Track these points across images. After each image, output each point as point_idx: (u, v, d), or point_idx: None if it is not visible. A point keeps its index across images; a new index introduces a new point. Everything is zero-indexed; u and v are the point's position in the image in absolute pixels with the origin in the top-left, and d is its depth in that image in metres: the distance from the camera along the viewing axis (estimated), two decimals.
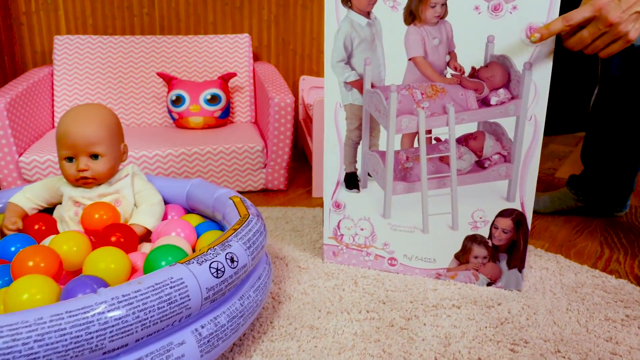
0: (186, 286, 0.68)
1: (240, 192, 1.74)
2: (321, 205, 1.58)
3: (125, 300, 0.62)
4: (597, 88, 1.42)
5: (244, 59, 2.05)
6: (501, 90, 0.97)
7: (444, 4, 0.95)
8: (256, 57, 2.21)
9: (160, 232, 0.97)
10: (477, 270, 1.08)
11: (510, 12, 0.92)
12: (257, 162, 1.70)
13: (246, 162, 1.69)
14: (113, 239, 0.89)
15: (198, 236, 1.00)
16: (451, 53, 0.98)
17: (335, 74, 1.06)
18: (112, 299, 0.61)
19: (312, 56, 2.26)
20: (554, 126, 2.66)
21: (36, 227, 1.00)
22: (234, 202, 0.97)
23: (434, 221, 1.08)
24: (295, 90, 2.27)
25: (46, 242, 0.94)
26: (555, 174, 2.03)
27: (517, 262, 1.04)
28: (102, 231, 0.91)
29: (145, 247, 0.97)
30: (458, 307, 0.99)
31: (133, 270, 0.85)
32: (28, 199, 1.05)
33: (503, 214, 1.03)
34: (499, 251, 1.05)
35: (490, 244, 1.06)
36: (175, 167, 1.63)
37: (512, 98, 0.97)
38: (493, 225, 1.04)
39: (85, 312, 0.59)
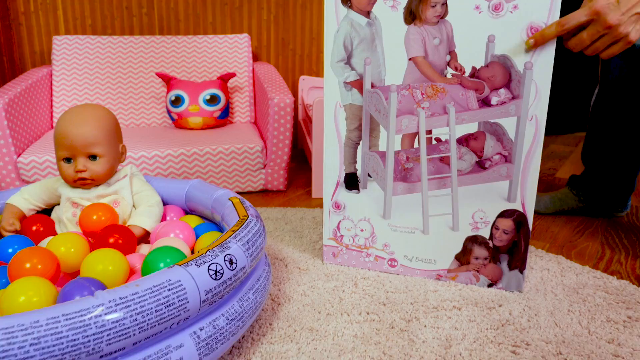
0: (184, 288, 0.67)
1: (240, 193, 1.73)
2: (321, 206, 1.57)
3: (123, 302, 0.61)
4: (597, 88, 1.42)
5: (244, 59, 2.05)
6: (502, 90, 0.97)
7: (445, 4, 0.94)
8: (255, 57, 2.21)
9: (159, 233, 0.97)
10: (477, 272, 1.07)
11: (511, 12, 0.91)
12: (256, 162, 1.69)
13: (245, 163, 1.68)
14: (111, 240, 0.89)
15: (197, 237, 0.99)
16: (452, 53, 0.97)
17: (335, 74, 1.05)
18: (110, 301, 0.61)
19: (311, 56, 2.25)
20: (554, 126, 2.65)
21: (34, 228, 1.00)
22: (233, 203, 0.96)
23: (434, 222, 1.07)
24: (294, 91, 2.26)
25: (44, 243, 0.94)
26: (556, 174, 2.02)
27: (518, 263, 1.04)
28: (100, 232, 0.91)
29: (144, 249, 0.97)
30: (459, 309, 0.98)
31: (131, 272, 0.85)
32: (26, 200, 1.05)
33: (504, 214, 1.02)
34: (500, 252, 1.05)
35: (491, 244, 1.05)
36: (174, 168, 1.63)
37: (513, 98, 0.96)
38: (494, 226, 1.04)
39: (82, 315, 0.58)
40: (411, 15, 0.97)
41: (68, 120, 0.98)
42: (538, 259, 1.21)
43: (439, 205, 1.05)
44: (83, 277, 0.76)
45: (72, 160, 0.98)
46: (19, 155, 1.57)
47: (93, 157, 0.98)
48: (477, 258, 1.06)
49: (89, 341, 0.58)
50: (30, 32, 2.01)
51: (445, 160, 1.03)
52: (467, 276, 1.08)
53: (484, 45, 0.95)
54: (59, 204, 1.04)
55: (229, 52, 2.04)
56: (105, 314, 0.60)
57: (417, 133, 1.03)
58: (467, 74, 0.98)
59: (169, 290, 0.66)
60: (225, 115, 1.94)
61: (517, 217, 1.01)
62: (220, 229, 1.03)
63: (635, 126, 1.34)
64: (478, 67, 0.97)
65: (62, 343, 0.56)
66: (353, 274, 1.13)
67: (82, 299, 0.60)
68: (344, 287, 1.07)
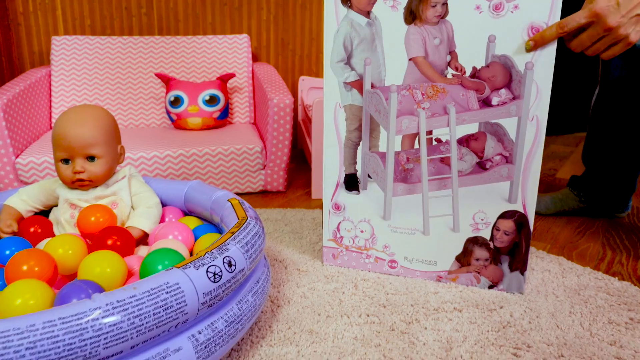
0: (183, 291, 0.67)
1: (239, 194, 1.73)
2: (321, 206, 1.56)
3: (120, 306, 0.61)
4: (597, 88, 1.41)
5: (243, 59, 2.04)
6: (503, 91, 0.96)
7: (445, 4, 0.94)
8: (255, 58, 2.20)
9: (158, 235, 0.96)
10: (478, 273, 1.06)
11: (512, 12, 0.91)
12: (256, 163, 1.69)
13: (245, 164, 1.68)
14: (109, 242, 0.88)
15: (196, 239, 0.98)
16: (452, 53, 0.97)
17: (335, 74, 1.04)
18: (107, 304, 0.60)
19: (311, 56, 2.25)
20: (554, 126, 2.65)
21: (32, 229, 0.99)
22: (232, 204, 0.96)
23: (434, 223, 1.06)
24: (294, 91, 2.26)
25: (42, 245, 0.93)
26: (556, 174, 2.02)
27: (519, 264, 1.03)
28: (99, 234, 0.90)
29: (142, 250, 0.96)
30: (459, 311, 0.98)
31: (129, 274, 0.84)
32: (24, 201, 1.04)
33: (505, 215, 1.02)
34: (501, 253, 1.04)
35: (491, 246, 1.04)
36: (173, 169, 1.62)
37: (514, 98, 0.96)
38: (495, 227, 1.03)
39: (78, 319, 0.57)
40: (411, 15, 0.96)
41: (66, 121, 0.98)
42: (539, 260, 1.20)
43: (439, 206, 1.05)
44: (80, 280, 0.76)
45: (70, 161, 0.98)
46: (17, 156, 1.56)
47: (91, 158, 0.98)
48: (477, 259, 1.06)
49: (85, 345, 0.57)
50: (29, 32, 2.00)
51: (445, 161, 1.02)
52: (467, 277, 1.07)
53: (485, 45, 0.94)
54: (57, 206, 1.04)
55: (229, 52, 2.03)
56: (103, 317, 0.59)
57: (417, 134, 1.02)
58: (467, 74, 0.97)
59: (167, 293, 0.65)
60: (225, 116, 1.94)
61: (518, 218, 1.01)
62: (219, 230, 1.02)
63: (636, 126, 1.33)
64: (479, 67, 0.96)
65: (59, 347, 0.55)
66: (353, 275, 1.12)
67: (79, 302, 0.60)
68: (344, 288, 1.06)
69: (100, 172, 0.99)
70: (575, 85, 2.59)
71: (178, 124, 1.89)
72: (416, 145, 1.03)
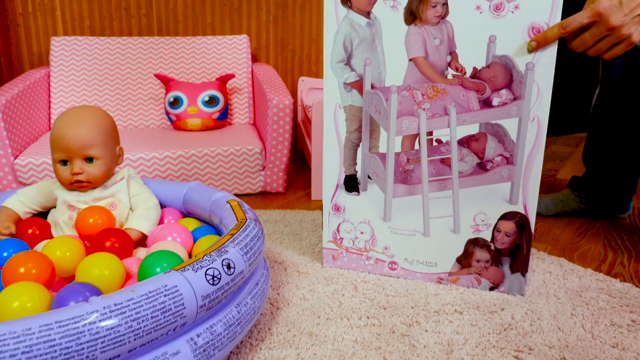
0: (181, 294, 0.66)
1: (239, 195, 1.72)
2: (320, 208, 1.56)
3: (118, 309, 0.60)
4: (598, 88, 1.41)
5: (243, 60, 2.04)
6: (503, 91, 0.96)
7: (445, 4, 0.93)
8: (255, 58, 2.20)
9: (156, 236, 0.96)
10: (479, 275, 1.06)
11: (512, 12, 0.90)
12: (255, 164, 1.68)
13: (244, 165, 1.67)
14: (108, 244, 0.87)
15: (195, 241, 0.98)
16: (452, 53, 0.96)
17: (335, 74, 1.04)
18: (104, 308, 0.59)
19: (311, 57, 2.24)
20: (554, 127, 2.64)
21: (30, 231, 0.99)
22: (231, 206, 0.95)
23: (435, 224, 1.06)
24: (294, 92, 2.25)
25: (39, 246, 0.92)
26: (557, 175, 2.01)
27: (520, 265, 1.02)
28: (97, 236, 0.90)
29: (141, 252, 0.96)
30: (460, 313, 0.97)
31: (128, 277, 0.84)
32: (22, 202, 1.04)
33: (506, 216, 1.01)
34: (502, 255, 1.04)
35: (492, 247, 1.04)
36: (172, 170, 1.61)
37: (515, 99, 0.95)
38: (495, 229, 1.02)
39: (75, 322, 0.57)
40: (411, 16, 0.96)
41: (64, 122, 0.97)
42: (540, 262, 1.19)
43: (439, 208, 1.04)
44: (78, 282, 0.75)
45: (68, 163, 0.97)
46: (16, 157, 1.56)
47: (90, 159, 0.97)
48: (478, 261, 1.05)
49: (82, 349, 0.56)
50: (28, 33, 2.00)
51: (446, 162, 1.02)
52: (468, 279, 1.07)
53: (485, 45, 0.94)
54: (55, 207, 1.03)
55: (228, 53, 2.03)
56: (100, 320, 0.58)
57: (417, 134, 1.01)
58: (468, 74, 0.96)
59: (165, 296, 0.64)
60: (224, 117, 1.93)
61: (519, 220, 1.00)
62: (218, 232, 1.01)
63: (637, 127, 1.33)
64: (479, 67, 0.95)
65: (55, 351, 0.55)
66: (353, 277, 1.12)
67: (76, 306, 0.59)
68: (344, 290, 1.05)
69: (98, 173, 0.98)
70: (575, 85, 2.58)
71: (177, 124, 1.89)
72: (416, 146, 1.03)
